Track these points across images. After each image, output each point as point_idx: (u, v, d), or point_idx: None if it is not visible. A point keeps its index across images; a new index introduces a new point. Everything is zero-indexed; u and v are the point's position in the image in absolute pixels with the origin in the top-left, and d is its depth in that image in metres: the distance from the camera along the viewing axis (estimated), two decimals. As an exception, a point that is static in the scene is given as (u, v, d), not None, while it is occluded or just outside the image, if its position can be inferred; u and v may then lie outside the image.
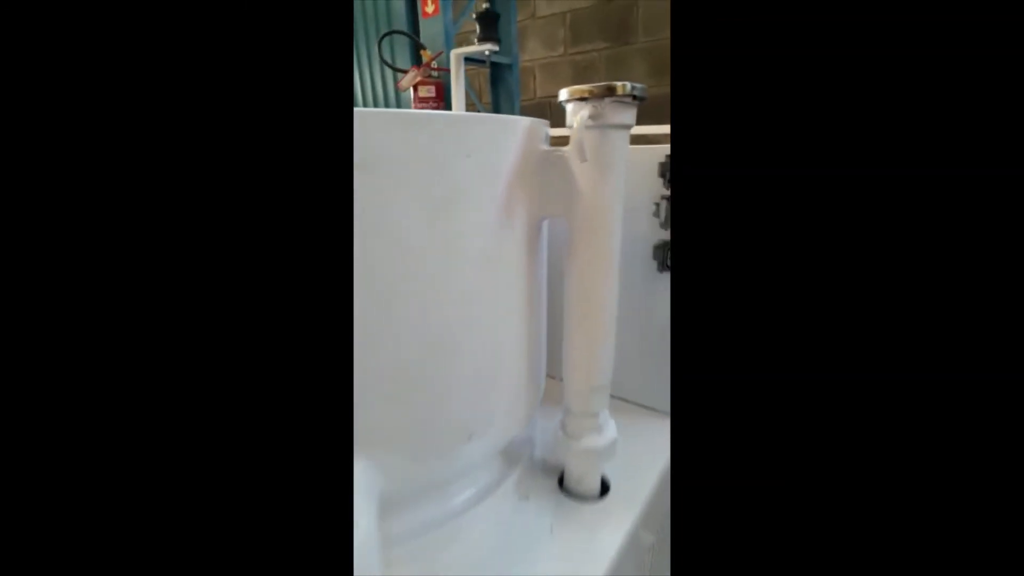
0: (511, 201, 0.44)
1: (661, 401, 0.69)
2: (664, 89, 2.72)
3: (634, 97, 0.42)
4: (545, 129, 0.49)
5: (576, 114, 0.43)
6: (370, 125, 0.35)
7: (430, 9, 2.35)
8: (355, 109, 0.35)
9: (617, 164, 0.44)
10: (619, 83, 0.41)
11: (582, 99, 0.42)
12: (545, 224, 0.52)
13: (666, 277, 0.64)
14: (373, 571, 0.36)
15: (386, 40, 2.57)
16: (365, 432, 0.38)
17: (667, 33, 2.69)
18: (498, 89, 2.87)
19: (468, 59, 2.54)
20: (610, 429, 0.53)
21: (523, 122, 0.45)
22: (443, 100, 2.27)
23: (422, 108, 2.27)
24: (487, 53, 1.50)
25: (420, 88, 2.28)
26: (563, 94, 0.44)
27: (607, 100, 0.42)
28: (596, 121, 0.42)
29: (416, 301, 0.39)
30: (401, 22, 2.78)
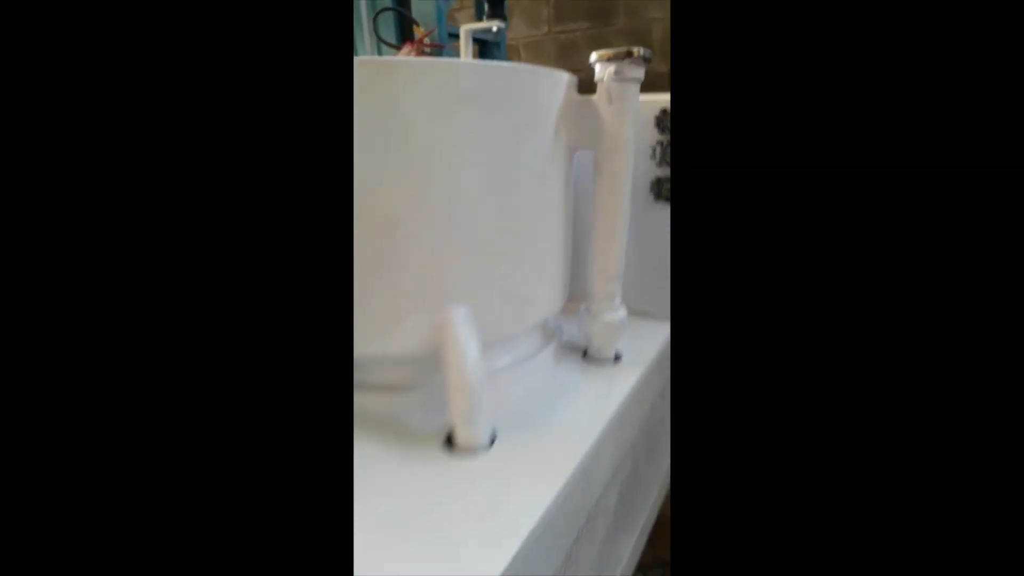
0: (557, 132, 0.61)
1: (656, 307, 0.88)
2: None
3: (644, 59, 0.60)
4: (576, 82, 0.66)
5: (604, 70, 0.60)
6: (473, 71, 0.52)
7: (423, -13, 2.44)
8: (458, 60, 0.51)
9: (632, 106, 0.62)
10: (635, 48, 0.59)
11: (609, 60, 0.60)
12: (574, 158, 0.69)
13: (660, 205, 0.83)
14: (481, 386, 0.53)
15: (381, 16, 2.66)
16: (466, 289, 0.56)
17: (648, 15, 2.85)
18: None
19: (456, 36, 2.66)
20: (622, 310, 0.71)
21: (565, 76, 0.62)
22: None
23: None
24: (495, 30, 1.64)
25: (415, 64, 2.40)
26: (594, 56, 0.61)
27: (627, 60, 0.59)
28: (619, 75, 0.60)
29: (497, 196, 0.56)
30: (395, -1, 2.87)
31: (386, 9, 2.61)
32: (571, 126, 0.63)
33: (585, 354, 0.74)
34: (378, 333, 0.56)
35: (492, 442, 0.55)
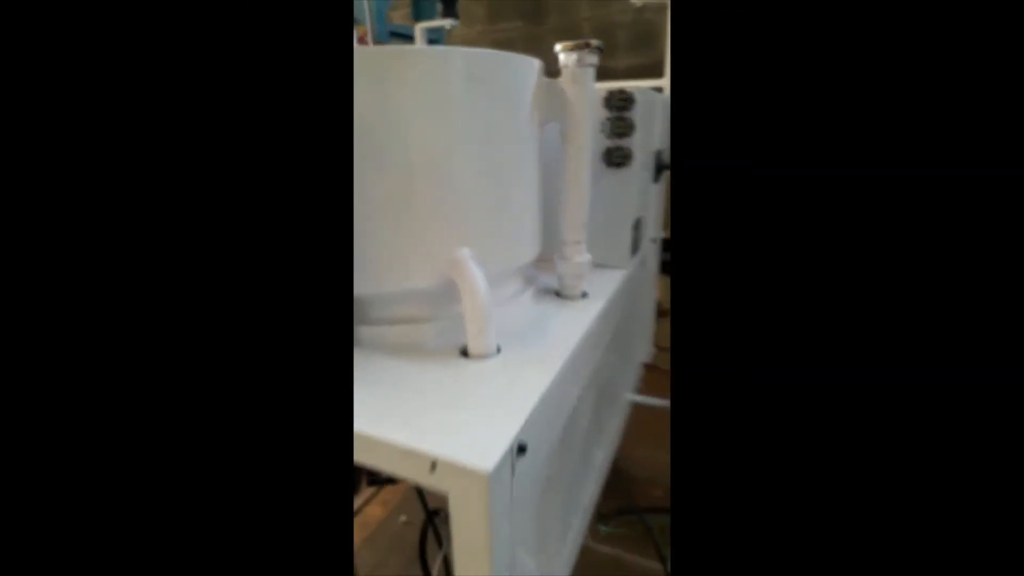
0: (532, 108, 0.76)
1: (609, 258, 1.05)
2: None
3: (599, 49, 0.76)
4: (544, 67, 0.82)
5: (568, 57, 0.76)
6: (479, 58, 0.66)
7: (364, -15, 2.51)
8: (473, 49, 0.65)
9: (590, 87, 0.78)
10: (592, 40, 0.75)
11: (572, 49, 0.75)
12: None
13: (610, 171, 1.00)
14: (489, 304, 0.67)
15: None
16: (468, 235, 0.69)
17: (580, 15, 3.05)
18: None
19: (397, 34, 2.75)
20: (588, 255, 0.87)
21: (537, 62, 0.77)
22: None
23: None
24: (448, 28, 1.76)
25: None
26: (559, 46, 0.76)
27: (586, 50, 0.75)
28: (580, 62, 0.75)
29: (488, 159, 0.71)
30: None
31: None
32: (542, 103, 0.78)
33: (558, 294, 0.89)
34: (399, 272, 0.69)
35: (498, 351, 0.69)
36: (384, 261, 0.67)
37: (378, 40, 2.50)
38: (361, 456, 0.53)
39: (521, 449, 0.51)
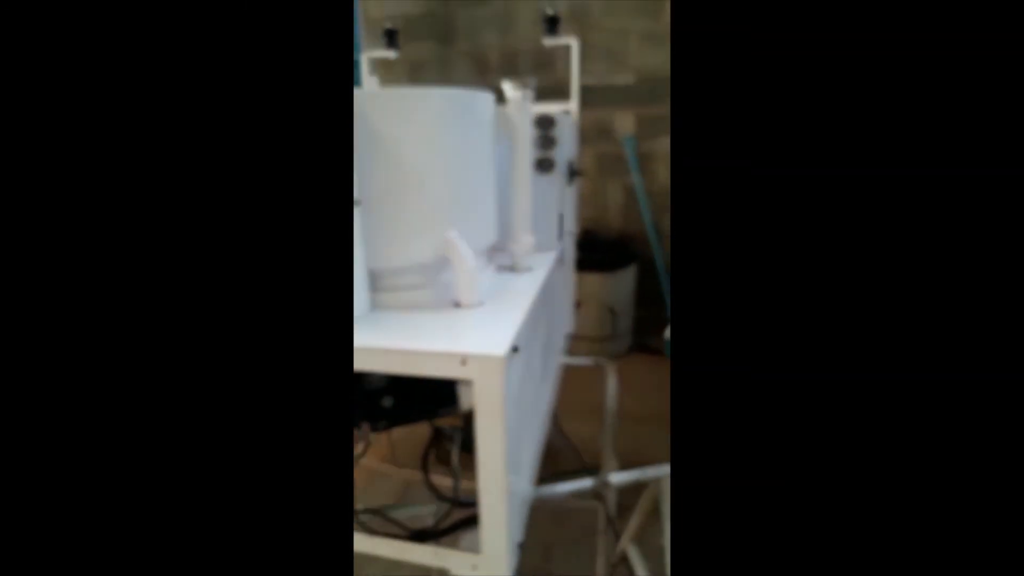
0: (491, 129, 1.05)
1: (541, 244, 1.36)
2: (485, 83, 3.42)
3: (534, 88, 1.07)
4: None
5: (515, 92, 1.06)
6: (456, 96, 0.93)
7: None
8: (451, 89, 0.92)
9: (529, 113, 1.08)
10: (530, 79, 1.05)
11: (516, 88, 1.05)
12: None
13: (539, 176, 1.31)
14: (475, 273, 0.94)
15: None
16: (452, 222, 0.96)
17: (487, 41, 3.38)
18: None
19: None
20: (531, 237, 1.17)
21: (491, 96, 1.06)
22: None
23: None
24: (393, 57, 1.99)
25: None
26: (506, 84, 1.06)
27: (527, 88, 1.05)
28: (523, 95, 1.06)
29: (468, 164, 0.98)
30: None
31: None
32: (497, 126, 1.07)
33: (511, 269, 1.19)
34: (405, 251, 0.94)
35: (481, 304, 0.97)
36: (394, 243, 0.93)
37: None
38: (406, 367, 0.78)
39: (515, 349, 0.80)
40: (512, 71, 3.42)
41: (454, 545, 0.90)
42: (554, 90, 3.22)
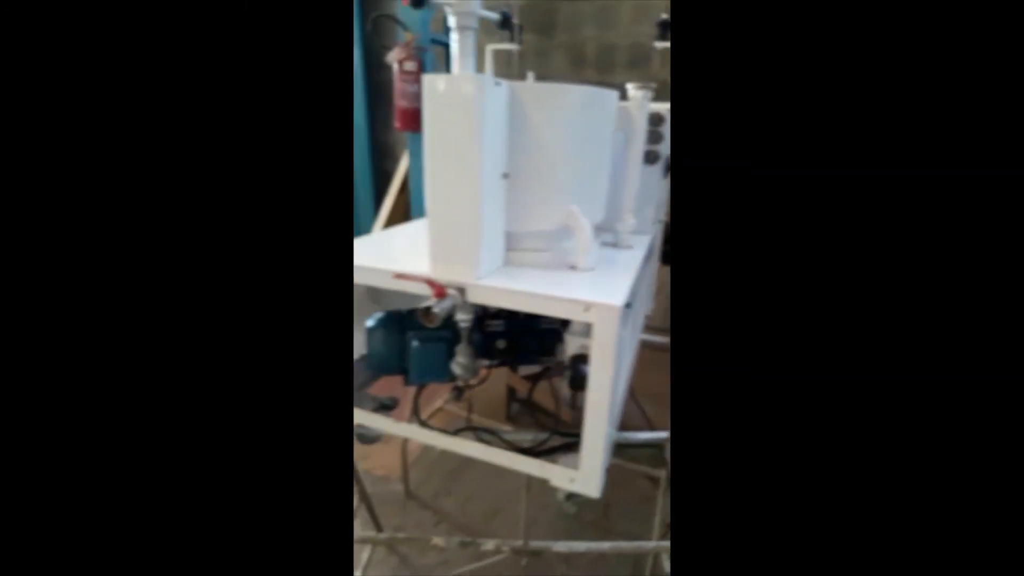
0: (613, 122, 1.22)
1: (641, 227, 1.52)
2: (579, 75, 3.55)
3: (653, 89, 1.22)
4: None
5: (636, 91, 1.22)
6: (590, 92, 1.11)
7: (409, -2, 2.90)
8: (587, 87, 1.10)
9: (646, 109, 1.25)
10: (649, 83, 1.21)
11: (639, 88, 1.22)
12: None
13: (646, 167, 1.47)
14: (591, 241, 1.12)
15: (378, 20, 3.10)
16: (576, 197, 1.15)
17: (584, 33, 3.52)
18: (451, 67, 3.48)
19: (436, 41, 3.16)
20: (634, 219, 1.34)
21: (615, 92, 1.23)
22: (422, 73, 2.89)
23: (406, 79, 2.88)
24: (515, 49, 2.18)
25: (405, 63, 2.89)
26: (630, 85, 1.23)
27: (647, 88, 1.21)
28: (643, 95, 1.22)
29: (592, 151, 1.16)
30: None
31: (381, 16, 3.05)
32: (616, 119, 1.24)
33: (614, 245, 1.36)
34: (530, 218, 1.13)
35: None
36: (526, 211, 1.12)
37: (421, 46, 2.91)
38: (538, 308, 0.98)
39: (627, 304, 0.98)
40: (607, 65, 3.54)
41: (554, 462, 1.10)
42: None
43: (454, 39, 0.99)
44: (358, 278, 1.11)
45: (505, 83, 0.99)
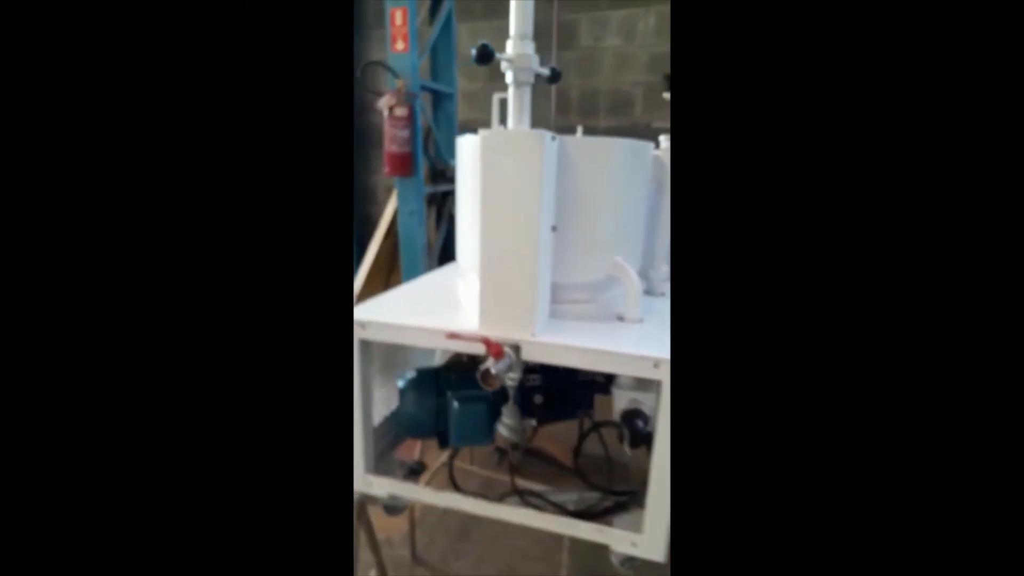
0: (646, 174, 1.23)
1: (663, 273, 1.52)
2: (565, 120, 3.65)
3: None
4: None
5: (665, 140, 1.23)
6: (623, 146, 1.11)
7: (400, 47, 2.95)
8: (630, 140, 1.10)
9: (679, 161, 1.26)
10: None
11: (667, 136, 1.23)
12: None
13: (669, 214, 1.49)
14: (639, 294, 1.10)
15: (367, 68, 3.09)
16: (619, 249, 1.13)
17: (569, 81, 3.63)
18: (438, 113, 3.53)
19: (425, 87, 3.18)
20: (668, 271, 1.33)
21: (651, 144, 1.24)
22: (412, 119, 2.89)
23: (395, 124, 2.87)
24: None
25: (395, 109, 2.89)
26: (662, 138, 1.24)
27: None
28: (675, 146, 1.24)
29: (632, 201, 1.16)
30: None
31: (372, 63, 3.06)
32: (650, 169, 1.25)
33: (647, 292, 1.35)
34: (575, 269, 1.11)
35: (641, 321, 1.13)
36: (573, 262, 1.10)
37: (411, 92, 2.92)
38: (599, 365, 0.94)
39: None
40: (591, 110, 3.64)
41: (609, 524, 1.04)
42: (631, 131, 3.43)
43: (511, 94, 0.97)
44: (400, 338, 1.05)
45: (558, 138, 0.98)
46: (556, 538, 0.99)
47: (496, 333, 0.97)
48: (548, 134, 0.92)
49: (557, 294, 1.14)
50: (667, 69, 3.33)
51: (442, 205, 3.61)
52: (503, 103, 2.19)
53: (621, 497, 1.10)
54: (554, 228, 1.04)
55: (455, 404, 1.11)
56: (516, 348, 0.97)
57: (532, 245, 0.93)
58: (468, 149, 1.13)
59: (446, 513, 2.16)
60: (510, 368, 0.96)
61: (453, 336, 0.97)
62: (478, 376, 0.91)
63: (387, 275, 3.69)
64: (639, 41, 3.45)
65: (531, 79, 1.01)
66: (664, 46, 3.37)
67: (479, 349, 0.97)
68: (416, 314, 1.12)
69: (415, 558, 1.99)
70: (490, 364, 0.91)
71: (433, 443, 1.19)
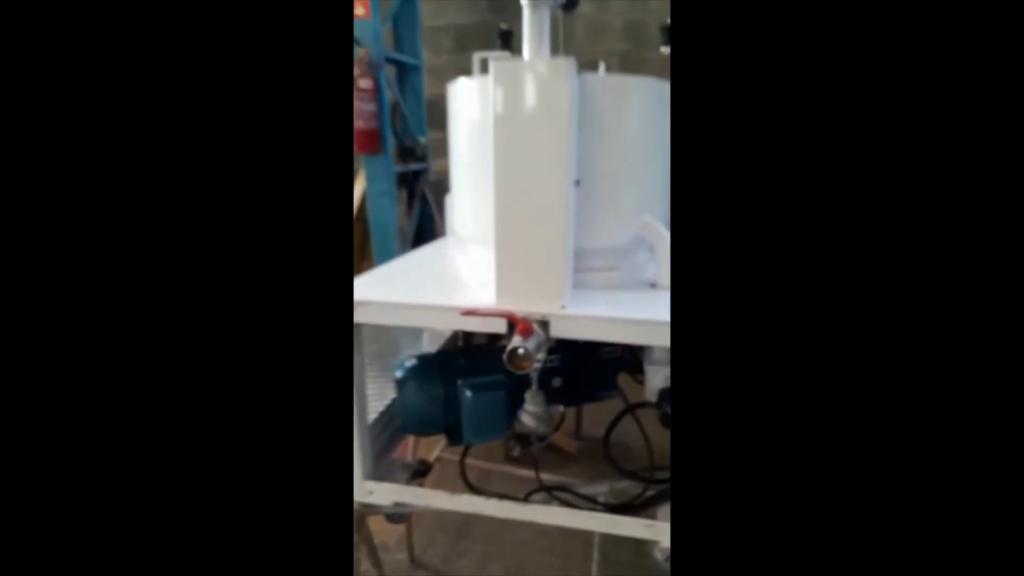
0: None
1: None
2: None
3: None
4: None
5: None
6: (653, 84, 0.97)
7: (360, 12, 2.72)
8: (648, 78, 0.95)
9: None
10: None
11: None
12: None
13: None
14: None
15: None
16: (646, 208, 0.99)
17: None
18: (404, 86, 3.31)
19: (389, 59, 2.96)
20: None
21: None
22: (377, 91, 2.68)
23: (360, 98, 2.66)
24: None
25: (360, 80, 2.67)
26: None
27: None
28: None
29: (658, 158, 1.02)
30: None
31: (332, 30, 2.81)
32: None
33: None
34: (600, 231, 0.97)
35: (674, 285, 0.99)
36: (598, 223, 0.95)
37: (375, 61, 2.70)
38: (642, 338, 0.80)
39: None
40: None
41: (655, 518, 0.92)
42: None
43: (526, 16, 0.81)
44: (403, 320, 0.89)
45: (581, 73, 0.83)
46: (563, 527, 0.87)
47: (519, 307, 0.82)
48: (574, 63, 0.76)
49: (579, 261, 0.99)
50: (644, 36, 3.17)
51: (413, 186, 3.40)
52: (484, 63, 2.02)
53: (663, 485, 0.97)
54: (577, 183, 0.89)
55: (468, 393, 0.96)
56: (544, 323, 0.82)
57: (559, 201, 0.78)
58: (466, 95, 0.96)
59: (442, 510, 2.02)
60: (539, 347, 0.81)
61: (470, 313, 0.81)
62: (504, 358, 0.76)
63: (358, 263, 3.48)
64: (614, 8, 3.30)
65: (550, -4, 0.84)
66: (639, 13, 3.23)
67: (499, 327, 0.81)
68: (417, 292, 0.95)
69: (414, 562, 1.85)
70: (517, 343, 0.76)
71: (427, 439, 1.04)
